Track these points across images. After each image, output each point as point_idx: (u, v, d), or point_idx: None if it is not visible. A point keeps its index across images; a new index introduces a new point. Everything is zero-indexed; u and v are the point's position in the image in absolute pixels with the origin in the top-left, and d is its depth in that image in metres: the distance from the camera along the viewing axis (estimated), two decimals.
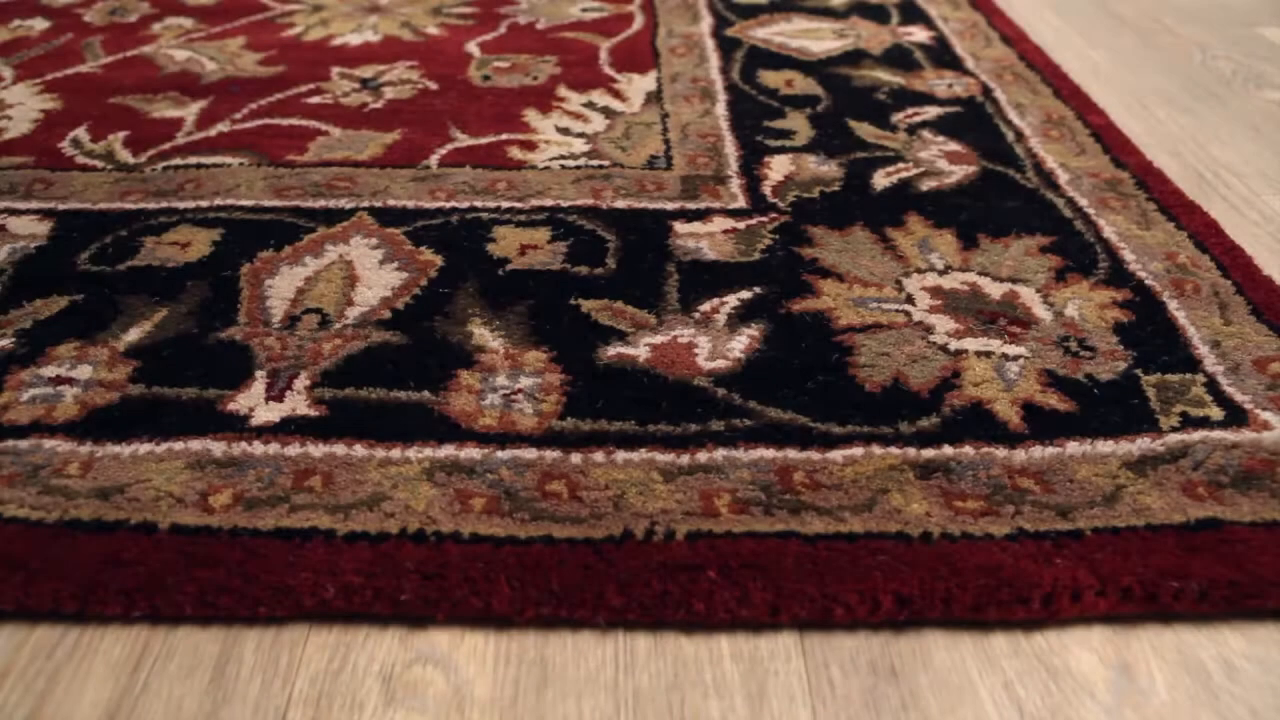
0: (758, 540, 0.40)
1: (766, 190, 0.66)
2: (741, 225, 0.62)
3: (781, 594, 0.38)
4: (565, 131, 0.74)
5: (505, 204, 0.64)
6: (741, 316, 0.54)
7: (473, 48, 0.90)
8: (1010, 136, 0.73)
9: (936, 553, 0.40)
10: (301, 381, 0.49)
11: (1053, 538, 0.41)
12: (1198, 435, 0.46)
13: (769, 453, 0.45)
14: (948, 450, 0.45)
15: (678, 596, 0.38)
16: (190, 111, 0.77)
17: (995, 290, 0.56)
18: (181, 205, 0.64)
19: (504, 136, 0.73)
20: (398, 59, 0.87)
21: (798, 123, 0.75)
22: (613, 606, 0.38)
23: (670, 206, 0.64)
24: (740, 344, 0.52)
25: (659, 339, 0.52)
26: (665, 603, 0.38)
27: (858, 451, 0.45)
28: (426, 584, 0.38)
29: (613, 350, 0.51)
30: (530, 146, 0.71)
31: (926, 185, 0.67)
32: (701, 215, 0.63)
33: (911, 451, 0.45)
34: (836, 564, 0.39)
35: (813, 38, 0.90)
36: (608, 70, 0.84)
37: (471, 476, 0.44)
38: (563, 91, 0.80)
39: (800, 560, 0.39)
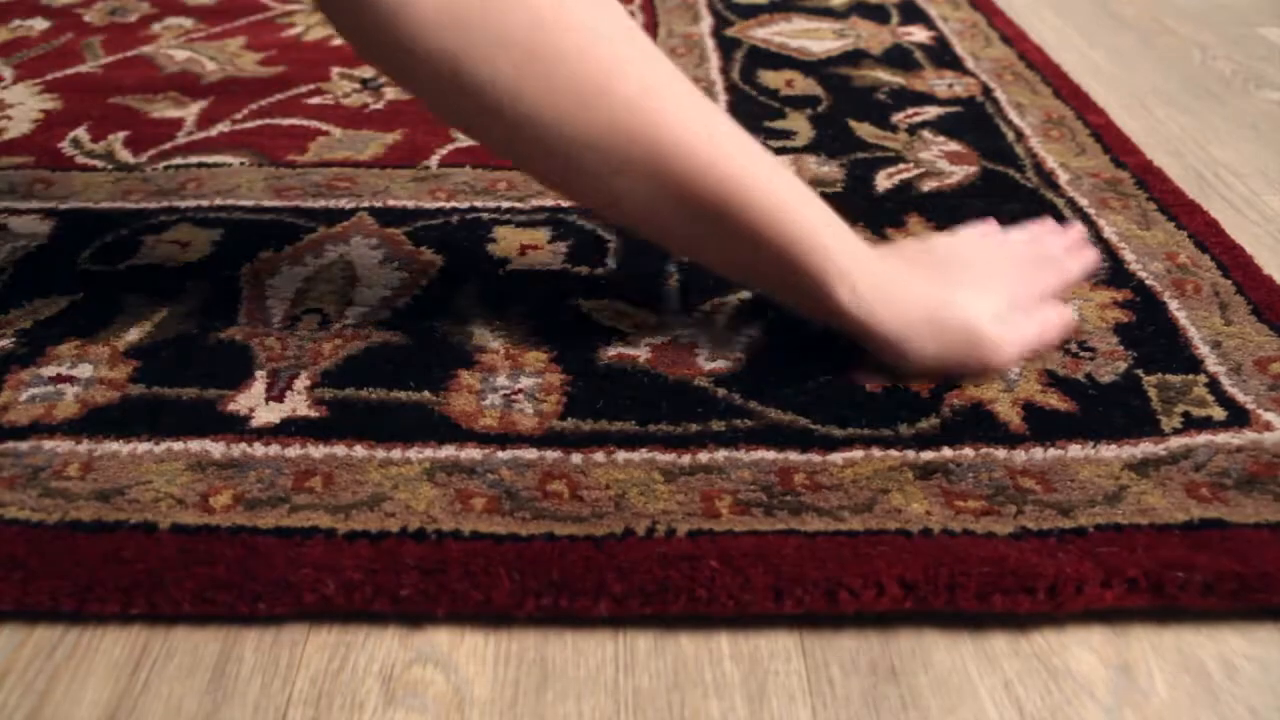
0: (759, 536, 0.40)
1: None
2: None
3: (783, 578, 0.38)
4: None
5: (505, 204, 0.64)
6: (742, 316, 0.54)
7: None
8: (1010, 136, 0.73)
9: (939, 545, 0.40)
10: (302, 382, 0.49)
11: (1056, 534, 0.41)
12: (1201, 438, 0.46)
13: (770, 454, 0.45)
14: (947, 452, 0.45)
15: (679, 583, 0.38)
16: (190, 111, 0.77)
17: None
18: (182, 205, 0.64)
19: None
20: None
21: (798, 123, 0.75)
22: (614, 595, 0.38)
23: None
24: (741, 344, 0.52)
25: (659, 339, 0.52)
26: (667, 589, 0.38)
27: (858, 454, 0.45)
28: (427, 579, 0.38)
29: (613, 350, 0.51)
30: None
31: (928, 186, 0.67)
32: None
33: (911, 454, 0.45)
34: (839, 553, 0.39)
35: (813, 38, 0.90)
36: None
37: (472, 476, 0.44)
38: None
39: (801, 550, 0.39)
